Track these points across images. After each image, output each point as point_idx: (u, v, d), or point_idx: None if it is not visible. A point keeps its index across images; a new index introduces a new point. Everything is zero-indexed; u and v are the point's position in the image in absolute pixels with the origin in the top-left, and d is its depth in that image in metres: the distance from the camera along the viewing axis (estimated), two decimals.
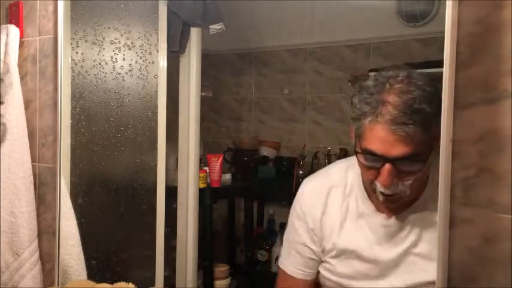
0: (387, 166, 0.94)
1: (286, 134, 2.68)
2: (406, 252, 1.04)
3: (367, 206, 1.08)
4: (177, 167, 1.78)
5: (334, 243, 1.11)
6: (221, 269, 2.12)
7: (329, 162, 2.35)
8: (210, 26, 1.70)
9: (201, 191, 1.87)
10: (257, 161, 2.49)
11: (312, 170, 2.36)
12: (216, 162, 2.01)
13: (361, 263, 1.08)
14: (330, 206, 1.12)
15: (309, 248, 1.15)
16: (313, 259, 1.16)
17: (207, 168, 2.00)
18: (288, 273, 1.19)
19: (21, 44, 1.48)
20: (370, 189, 1.05)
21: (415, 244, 1.03)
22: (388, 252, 1.05)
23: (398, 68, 1.00)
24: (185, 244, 1.78)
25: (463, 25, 0.81)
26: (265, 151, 2.57)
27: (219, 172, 2.02)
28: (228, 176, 2.15)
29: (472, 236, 0.81)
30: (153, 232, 1.60)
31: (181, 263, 1.78)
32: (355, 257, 1.08)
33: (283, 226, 2.53)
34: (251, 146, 2.53)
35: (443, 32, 0.81)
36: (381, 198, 1.01)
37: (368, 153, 0.97)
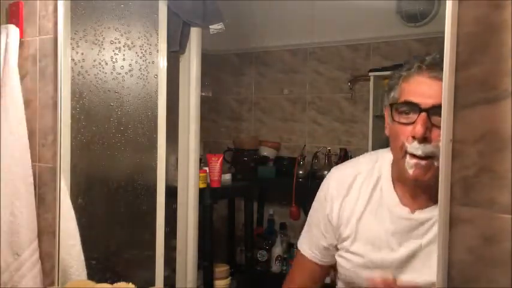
0: (422, 115, 0.96)
1: (286, 134, 2.68)
2: (423, 248, 1.04)
3: (391, 198, 1.09)
4: (177, 167, 1.78)
5: (352, 230, 1.12)
6: (221, 269, 2.12)
7: (329, 162, 2.36)
8: (210, 26, 1.70)
9: (201, 191, 1.87)
10: (257, 161, 2.50)
11: (312, 170, 2.36)
12: (216, 162, 2.01)
13: (376, 253, 1.08)
14: (353, 193, 1.13)
15: (323, 235, 1.18)
16: (325, 246, 1.18)
17: (207, 168, 2.00)
18: (303, 253, 1.23)
19: (21, 44, 1.48)
20: (397, 164, 1.05)
21: (433, 241, 1.02)
22: (405, 247, 1.05)
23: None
24: (185, 244, 1.78)
25: (463, 25, 0.81)
26: (265, 151, 2.57)
27: (219, 172, 2.02)
28: (228, 176, 2.15)
29: (472, 236, 0.81)
30: (153, 232, 1.60)
31: (181, 263, 1.78)
32: (371, 246, 1.09)
33: (283, 226, 2.55)
34: (251, 146, 2.53)
35: (443, 32, 0.81)
36: (411, 169, 1.00)
37: (404, 105, 1.00)
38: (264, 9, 2.50)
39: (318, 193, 1.21)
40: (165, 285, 1.65)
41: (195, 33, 1.72)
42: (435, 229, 1.01)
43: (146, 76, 1.58)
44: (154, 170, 1.59)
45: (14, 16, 1.49)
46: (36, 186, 1.47)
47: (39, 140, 1.47)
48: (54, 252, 1.38)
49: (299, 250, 1.25)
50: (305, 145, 2.57)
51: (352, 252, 1.12)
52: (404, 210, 1.06)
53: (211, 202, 1.98)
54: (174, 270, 1.78)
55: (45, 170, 1.46)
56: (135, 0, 1.55)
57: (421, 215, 1.05)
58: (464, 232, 0.81)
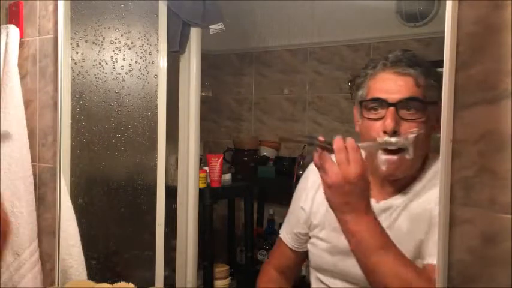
0: (391, 109, 1.00)
1: (286, 134, 2.68)
2: None
3: None
4: (177, 167, 1.78)
5: (321, 219, 1.16)
6: (221, 269, 2.12)
7: None
8: (210, 26, 1.70)
9: (201, 191, 1.87)
10: (257, 161, 2.49)
11: None
12: (216, 162, 2.01)
13: (341, 239, 1.08)
14: None
15: (298, 222, 1.24)
16: (299, 233, 1.24)
17: (207, 168, 2.00)
18: (281, 237, 1.30)
19: (21, 44, 1.48)
20: (370, 160, 1.07)
21: (391, 227, 1.05)
22: None
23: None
24: (185, 244, 1.78)
25: (463, 25, 0.81)
26: (265, 151, 2.57)
27: (219, 172, 2.02)
28: (228, 176, 2.15)
29: (472, 236, 0.81)
30: (153, 232, 1.60)
31: (181, 263, 1.78)
32: (337, 233, 1.10)
33: None
34: (251, 146, 2.53)
35: (443, 32, 0.81)
36: (383, 165, 1.03)
37: (373, 101, 1.04)
38: (264, 9, 2.49)
39: (297, 184, 1.27)
40: (165, 285, 1.65)
41: (195, 33, 1.72)
42: (394, 216, 1.06)
43: (146, 76, 1.58)
44: (154, 170, 1.59)
45: (14, 16, 1.49)
46: (36, 186, 1.47)
47: (39, 140, 1.47)
48: (54, 252, 1.38)
49: (280, 236, 1.31)
50: (305, 145, 2.57)
51: (320, 239, 1.17)
52: (371, 201, 1.08)
53: (211, 202, 1.98)
54: (174, 270, 1.78)
55: (45, 170, 1.46)
56: (135, 0, 1.55)
57: (384, 204, 1.08)
58: (464, 232, 0.81)
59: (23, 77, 1.48)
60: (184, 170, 1.78)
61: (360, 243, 0.93)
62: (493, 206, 0.79)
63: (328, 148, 0.94)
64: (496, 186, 0.78)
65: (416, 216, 1.04)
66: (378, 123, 1.02)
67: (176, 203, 1.78)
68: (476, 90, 0.80)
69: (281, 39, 2.66)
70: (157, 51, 1.59)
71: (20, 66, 1.47)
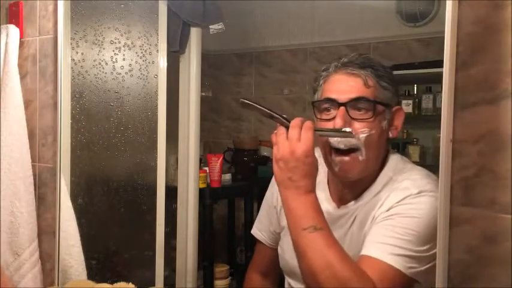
0: (341, 109, 1.01)
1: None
2: (342, 238, 1.06)
3: (324, 194, 1.12)
4: (177, 167, 1.78)
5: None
6: (221, 269, 2.12)
7: None
8: (210, 26, 1.70)
9: (201, 191, 1.87)
10: (257, 161, 2.49)
11: None
12: (216, 162, 2.01)
13: None
14: None
15: (270, 221, 1.25)
16: (271, 231, 1.25)
17: (207, 168, 2.00)
18: (254, 234, 1.30)
19: (21, 44, 1.48)
20: (326, 161, 1.08)
21: (345, 233, 1.07)
22: None
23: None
24: (185, 244, 1.78)
25: (463, 25, 0.81)
26: (265, 151, 2.57)
27: (219, 172, 2.02)
28: (228, 176, 2.15)
29: (472, 236, 0.81)
30: (153, 232, 1.60)
31: (181, 263, 1.78)
32: None
33: None
34: (251, 146, 2.53)
35: (443, 32, 0.81)
36: (336, 166, 1.04)
37: (324, 102, 1.05)
38: (264, 9, 2.50)
39: (270, 182, 1.27)
40: (165, 285, 1.65)
41: (195, 33, 1.72)
42: (350, 222, 1.07)
43: (146, 76, 1.58)
44: (154, 170, 1.59)
45: (14, 16, 1.49)
46: (36, 186, 1.47)
47: (39, 140, 1.47)
48: (54, 252, 1.38)
49: (254, 235, 1.31)
50: None
51: (284, 241, 1.18)
52: (332, 206, 1.11)
53: (211, 202, 1.98)
54: (174, 270, 1.78)
55: (45, 170, 1.46)
56: (135, 0, 1.55)
57: (342, 210, 1.09)
58: (464, 232, 0.81)
59: (23, 77, 1.48)
60: (184, 170, 1.78)
61: (294, 220, 0.94)
62: (493, 206, 0.79)
63: (286, 125, 0.98)
64: (496, 186, 0.78)
65: (363, 219, 1.05)
66: (330, 124, 1.03)
67: (176, 203, 1.78)
68: (476, 90, 0.80)
69: (281, 39, 2.66)
70: (157, 51, 1.59)
71: (20, 66, 1.47)
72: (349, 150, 1.02)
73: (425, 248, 0.95)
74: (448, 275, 0.82)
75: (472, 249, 0.81)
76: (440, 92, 0.83)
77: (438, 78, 0.85)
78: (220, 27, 1.70)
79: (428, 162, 2.18)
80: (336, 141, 1.02)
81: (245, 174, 2.37)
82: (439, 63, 0.83)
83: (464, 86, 0.81)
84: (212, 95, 2.67)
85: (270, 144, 2.67)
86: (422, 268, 0.95)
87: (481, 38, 0.79)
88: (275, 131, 1.00)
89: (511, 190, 0.77)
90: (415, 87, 2.33)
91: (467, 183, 0.81)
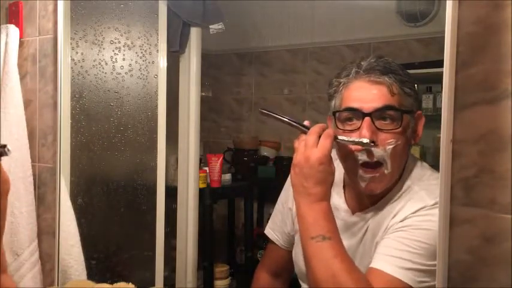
0: (366, 119, 0.96)
1: (286, 134, 2.67)
2: (355, 246, 1.05)
3: (339, 200, 1.10)
4: (177, 167, 1.78)
5: None
6: (221, 269, 2.12)
7: None
8: (210, 26, 1.71)
9: (201, 191, 1.87)
10: (257, 161, 2.49)
11: None
12: (216, 162, 2.01)
13: None
14: None
15: (285, 221, 1.22)
16: (286, 232, 1.22)
17: (207, 168, 2.00)
18: (268, 235, 1.27)
19: (21, 44, 1.48)
20: (350, 175, 1.04)
21: (359, 241, 1.05)
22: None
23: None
24: (185, 244, 1.78)
25: (463, 25, 0.81)
26: (265, 151, 2.57)
27: (219, 172, 2.02)
28: (228, 176, 2.15)
29: (472, 236, 0.81)
30: (153, 232, 1.60)
31: (181, 263, 1.78)
32: None
33: None
34: (251, 146, 2.53)
35: (443, 32, 0.81)
36: (364, 182, 1.00)
37: (347, 111, 0.99)
38: (264, 9, 2.50)
39: (285, 183, 1.24)
40: (165, 285, 1.65)
41: (195, 33, 1.72)
42: (364, 229, 1.05)
43: (146, 76, 1.58)
44: (154, 170, 1.59)
45: (14, 16, 1.49)
46: (36, 186, 1.47)
47: (39, 140, 1.47)
48: (54, 252, 1.38)
49: (266, 234, 1.28)
50: None
51: (297, 244, 1.15)
52: (346, 212, 1.09)
53: (211, 202, 1.98)
54: (174, 270, 1.78)
55: (45, 170, 1.46)
56: (135, 0, 1.55)
57: (357, 217, 1.07)
58: (464, 232, 0.81)
59: (22, 77, 1.48)
60: (184, 170, 1.78)
61: (304, 227, 0.93)
62: (493, 206, 0.79)
63: (306, 132, 0.97)
64: (496, 186, 0.78)
65: (376, 228, 1.03)
66: (354, 135, 0.98)
67: (176, 203, 1.78)
68: (476, 90, 0.80)
69: (281, 39, 2.66)
70: (157, 51, 1.59)
71: (20, 66, 1.47)
72: (376, 164, 0.98)
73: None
74: (448, 275, 0.82)
75: (472, 249, 0.81)
76: (440, 92, 0.83)
77: (438, 78, 0.85)
78: (220, 27, 1.70)
79: (429, 163, 2.18)
80: (364, 154, 0.97)
81: (245, 174, 2.37)
82: (439, 63, 0.83)
83: (464, 86, 0.81)
84: (212, 95, 2.68)
85: (270, 144, 2.68)
86: (435, 282, 0.91)
87: (481, 38, 0.79)
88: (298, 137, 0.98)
89: (511, 190, 0.77)
90: (415, 87, 2.33)
91: (467, 184, 0.81)
